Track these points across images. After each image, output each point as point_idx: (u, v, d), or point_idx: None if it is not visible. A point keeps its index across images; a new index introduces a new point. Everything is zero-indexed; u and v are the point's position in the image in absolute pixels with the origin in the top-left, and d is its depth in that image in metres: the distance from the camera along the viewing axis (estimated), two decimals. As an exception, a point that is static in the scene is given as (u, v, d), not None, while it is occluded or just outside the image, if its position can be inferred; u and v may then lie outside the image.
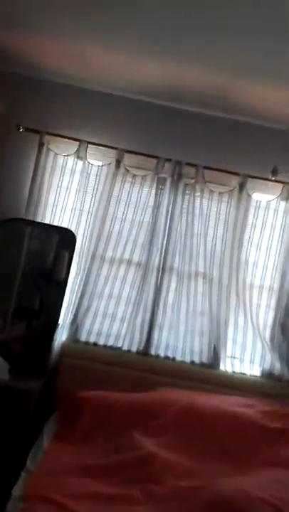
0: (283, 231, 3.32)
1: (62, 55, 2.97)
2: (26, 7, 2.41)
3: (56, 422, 2.82)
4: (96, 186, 3.25)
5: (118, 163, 3.21)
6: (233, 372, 3.31)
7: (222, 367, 3.29)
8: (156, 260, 3.24)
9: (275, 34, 2.20)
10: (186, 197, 3.24)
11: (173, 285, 3.27)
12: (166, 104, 3.28)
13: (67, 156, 3.23)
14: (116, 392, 2.95)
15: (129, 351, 3.26)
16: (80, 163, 3.24)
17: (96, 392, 2.93)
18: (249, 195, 3.25)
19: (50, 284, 3.17)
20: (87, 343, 3.26)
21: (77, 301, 3.23)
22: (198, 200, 3.23)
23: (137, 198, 3.25)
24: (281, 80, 2.70)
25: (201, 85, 2.94)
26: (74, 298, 3.24)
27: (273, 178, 3.24)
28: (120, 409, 2.83)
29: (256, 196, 3.29)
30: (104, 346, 3.28)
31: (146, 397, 2.96)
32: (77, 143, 3.20)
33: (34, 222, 3.20)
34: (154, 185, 3.24)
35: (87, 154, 3.21)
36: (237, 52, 2.47)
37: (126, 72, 3.00)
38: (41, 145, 3.19)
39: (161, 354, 3.28)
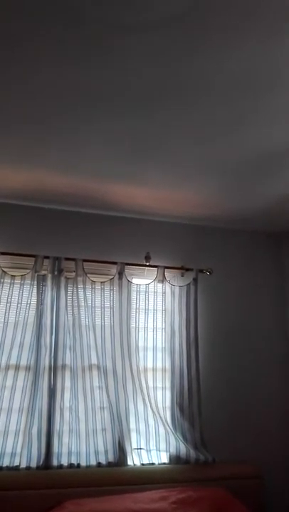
0: (164, 311, 3.47)
1: None
2: None
3: None
4: (-29, 292, 3.06)
5: (-6, 265, 3.10)
6: (142, 464, 3.17)
7: (130, 462, 3.13)
8: (46, 360, 3.07)
9: (128, 145, 2.54)
10: (69, 290, 3.22)
11: (67, 384, 3.10)
12: (38, 205, 3.36)
13: None
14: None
15: (28, 468, 2.92)
16: None
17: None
18: (129, 281, 3.38)
19: None
20: (-22, 469, 2.84)
21: None
22: (81, 292, 3.23)
23: (18, 298, 3.13)
24: (137, 181, 3.02)
25: (66, 188, 3.10)
26: None
27: (147, 264, 3.47)
28: None
29: (136, 281, 3.43)
30: (-1, 469, 2.90)
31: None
32: None
33: None
34: (35, 283, 3.17)
35: None
36: (96, 161, 2.74)
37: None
38: None
39: (65, 463, 3.00)
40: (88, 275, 3.28)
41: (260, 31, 1.73)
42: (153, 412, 3.24)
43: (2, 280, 3.12)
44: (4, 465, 2.90)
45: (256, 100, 2.15)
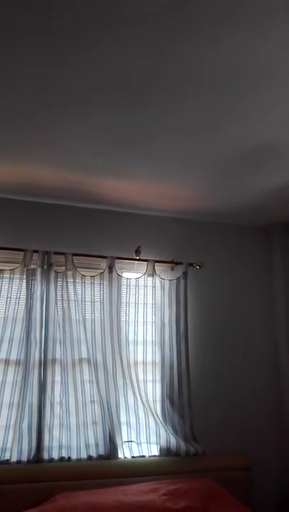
0: (154, 305, 3.48)
1: None
2: None
3: None
4: None
5: (-18, 260, 3.08)
6: (133, 457, 3.19)
7: (120, 454, 3.15)
8: (36, 355, 3.06)
9: (117, 139, 2.54)
10: (59, 284, 3.21)
11: (58, 378, 3.10)
12: (26, 199, 3.33)
13: None
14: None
15: (19, 462, 2.93)
16: None
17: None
18: (119, 275, 3.37)
19: None
20: None
21: None
22: (71, 286, 3.22)
23: (8, 292, 3.11)
24: (126, 176, 3.01)
25: (56, 182, 3.07)
26: None
27: (137, 257, 3.46)
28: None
29: (126, 275, 3.43)
30: (-10, 463, 2.90)
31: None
32: None
33: None
34: (25, 278, 3.15)
35: None
36: (86, 155, 2.73)
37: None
38: None
39: (56, 457, 3.01)
40: (78, 269, 3.27)
41: (245, 27, 1.73)
42: (143, 404, 3.26)
43: (-9, 274, 3.10)
44: (-5, 459, 2.91)
45: (243, 96, 2.15)
